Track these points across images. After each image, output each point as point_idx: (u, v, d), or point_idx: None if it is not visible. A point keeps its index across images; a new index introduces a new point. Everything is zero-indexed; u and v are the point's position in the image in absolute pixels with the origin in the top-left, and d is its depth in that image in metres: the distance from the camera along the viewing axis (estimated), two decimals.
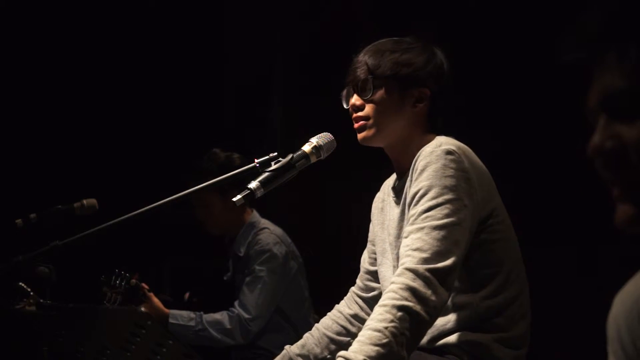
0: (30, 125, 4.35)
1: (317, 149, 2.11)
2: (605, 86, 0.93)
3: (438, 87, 2.18)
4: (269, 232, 3.61)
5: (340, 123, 2.23)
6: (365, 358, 1.73)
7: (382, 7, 4.20)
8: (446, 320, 2.02)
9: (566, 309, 3.35)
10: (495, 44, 3.64)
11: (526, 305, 2.10)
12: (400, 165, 2.21)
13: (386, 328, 1.76)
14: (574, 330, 3.22)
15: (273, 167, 2.03)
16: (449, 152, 1.98)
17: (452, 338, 2.01)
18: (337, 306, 2.44)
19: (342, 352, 1.76)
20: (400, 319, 1.78)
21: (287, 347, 2.36)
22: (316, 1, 4.59)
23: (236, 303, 3.54)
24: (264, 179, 2.00)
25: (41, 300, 2.43)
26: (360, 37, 2.27)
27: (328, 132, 2.16)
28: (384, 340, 1.75)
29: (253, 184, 1.99)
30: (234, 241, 3.67)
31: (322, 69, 2.32)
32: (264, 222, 3.67)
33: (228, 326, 3.48)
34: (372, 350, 1.74)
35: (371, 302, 2.35)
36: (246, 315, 3.48)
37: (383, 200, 2.33)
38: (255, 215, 3.68)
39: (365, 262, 2.42)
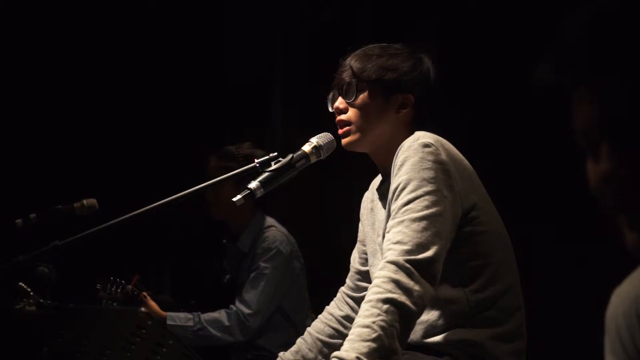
0: (30, 125, 4.35)
1: (317, 149, 2.11)
2: (606, 112, 0.91)
3: (423, 94, 2.18)
4: (276, 230, 3.62)
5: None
6: (358, 355, 1.71)
7: (382, 7, 4.20)
8: (437, 316, 2.02)
9: (567, 304, 3.35)
10: (495, 43, 3.64)
11: (519, 297, 2.09)
12: (385, 169, 2.21)
13: (374, 322, 1.76)
14: (574, 326, 3.22)
15: (273, 167, 2.04)
16: (425, 145, 1.98)
17: (446, 336, 2.00)
18: (327, 308, 2.43)
19: (335, 353, 1.75)
20: (387, 311, 1.77)
21: (281, 354, 2.35)
22: (316, 1, 4.59)
23: (237, 299, 3.54)
24: (264, 179, 2.01)
25: (41, 300, 2.43)
26: (360, 37, 2.27)
27: (328, 132, 2.17)
28: (374, 335, 1.74)
29: (253, 184, 2.00)
30: (238, 239, 3.67)
31: (322, 69, 2.31)
32: (270, 221, 3.68)
33: (226, 323, 3.48)
34: (363, 346, 1.73)
35: (362, 302, 2.35)
36: (246, 311, 3.48)
37: (372, 201, 2.33)
38: (261, 214, 3.69)
39: (355, 261, 2.41)
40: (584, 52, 0.92)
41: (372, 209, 2.32)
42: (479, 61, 3.66)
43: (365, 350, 1.72)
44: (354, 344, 1.74)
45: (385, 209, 2.17)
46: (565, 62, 0.93)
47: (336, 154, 2.16)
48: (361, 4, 4.36)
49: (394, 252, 1.86)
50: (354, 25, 4.28)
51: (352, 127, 2.17)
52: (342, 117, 2.18)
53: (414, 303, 1.80)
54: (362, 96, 2.17)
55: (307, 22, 4.58)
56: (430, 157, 1.96)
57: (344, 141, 2.19)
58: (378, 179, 2.33)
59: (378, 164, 2.25)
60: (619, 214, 0.94)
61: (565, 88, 0.94)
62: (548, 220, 3.50)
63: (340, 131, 2.19)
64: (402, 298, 1.79)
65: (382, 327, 1.75)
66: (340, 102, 2.19)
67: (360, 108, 2.16)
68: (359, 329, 1.77)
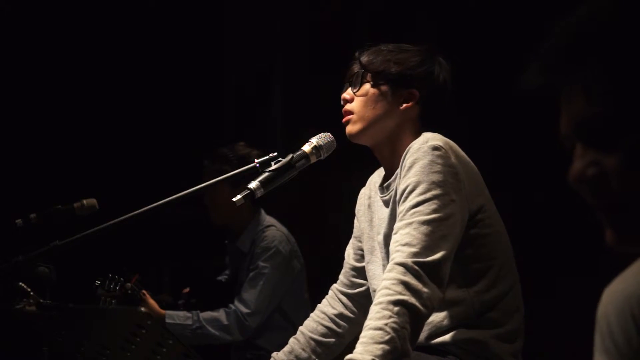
0: (30, 125, 4.35)
1: (317, 149, 2.12)
2: (576, 113, 0.93)
3: (428, 91, 2.18)
4: (275, 230, 3.62)
5: (341, 123, 2.24)
6: (374, 358, 1.72)
7: (382, 7, 4.20)
8: (442, 317, 2.02)
9: (565, 304, 3.35)
10: (495, 43, 3.64)
11: (519, 298, 2.11)
12: (388, 166, 2.21)
13: (386, 324, 1.76)
14: (571, 325, 3.22)
15: (273, 167, 2.04)
16: (435, 148, 1.98)
17: (450, 336, 2.01)
18: (319, 306, 2.41)
19: (349, 356, 1.75)
20: (398, 313, 1.78)
21: (274, 354, 2.34)
22: (316, 1, 4.59)
23: (236, 298, 3.53)
24: (264, 179, 2.01)
25: (41, 300, 2.43)
26: (360, 37, 2.28)
27: (328, 131, 2.17)
28: (387, 337, 1.75)
29: (253, 184, 2.00)
30: (238, 238, 3.67)
31: (322, 69, 2.32)
32: (270, 220, 3.67)
33: (225, 322, 3.47)
34: (377, 348, 1.73)
35: (356, 299, 2.35)
36: (244, 310, 3.48)
37: (370, 197, 2.32)
38: (261, 213, 3.68)
39: (350, 258, 2.39)
40: (564, 55, 0.93)
41: (369, 206, 2.32)
42: (479, 61, 3.66)
43: (379, 352, 1.73)
44: (367, 347, 1.74)
45: (386, 206, 2.17)
46: (548, 65, 0.95)
47: (337, 153, 2.16)
48: (361, 4, 4.36)
49: (402, 254, 1.87)
50: (354, 25, 4.28)
51: (353, 116, 2.19)
52: (347, 106, 2.21)
53: (423, 305, 1.81)
54: (367, 87, 2.19)
55: (307, 22, 4.58)
56: (440, 161, 1.97)
57: (346, 130, 2.21)
58: (377, 175, 2.33)
59: (381, 159, 2.25)
60: (595, 211, 0.95)
61: (550, 91, 0.96)
62: (548, 219, 3.50)
63: (343, 120, 2.21)
64: (412, 300, 1.80)
65: (394, 329, 1.76)
66: (347, 93, 2.22)
67: (364, 98, 2.18)
68: (371, 332, 1.77)
